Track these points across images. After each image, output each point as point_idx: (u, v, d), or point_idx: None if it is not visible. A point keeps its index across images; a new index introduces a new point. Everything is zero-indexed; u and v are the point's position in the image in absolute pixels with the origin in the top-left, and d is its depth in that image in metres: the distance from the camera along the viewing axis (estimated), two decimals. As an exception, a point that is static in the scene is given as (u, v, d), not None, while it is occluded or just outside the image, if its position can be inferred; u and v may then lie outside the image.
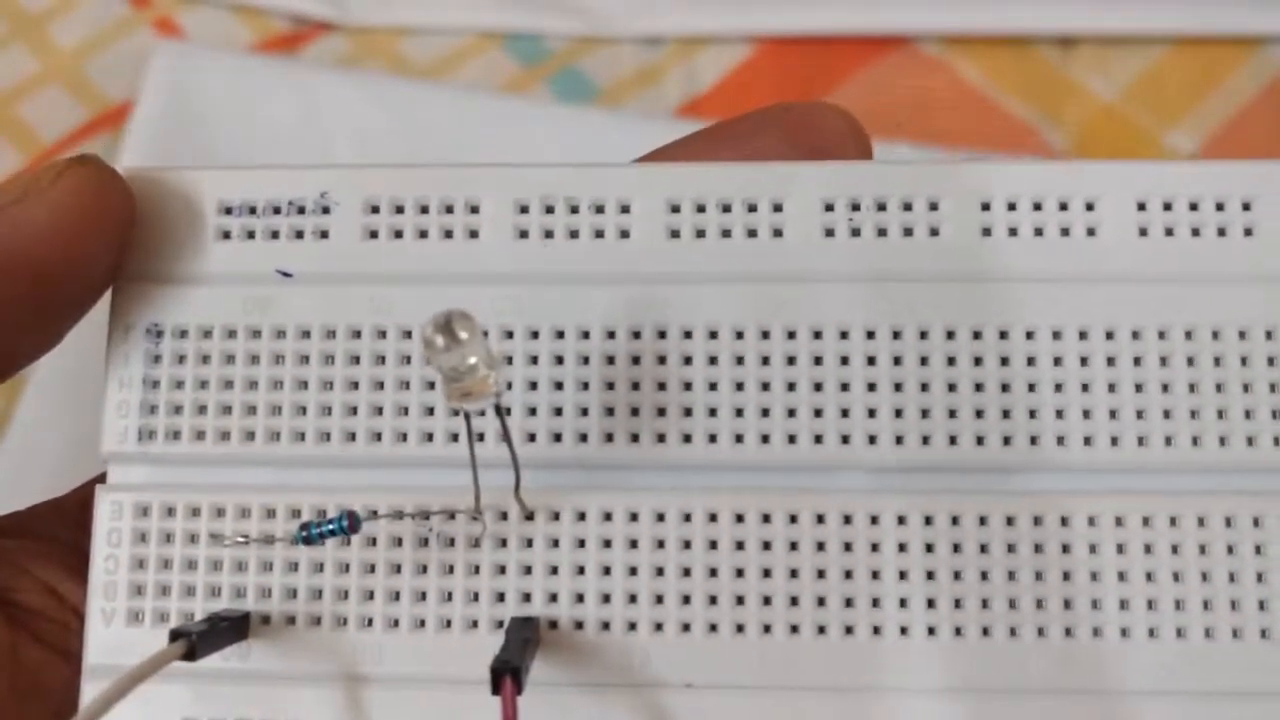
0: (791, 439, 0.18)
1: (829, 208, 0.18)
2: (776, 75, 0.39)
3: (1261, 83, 0.38)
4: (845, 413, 0.18)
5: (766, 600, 0.17)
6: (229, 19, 0.41)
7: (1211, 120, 0.38)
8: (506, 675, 0.15)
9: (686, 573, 0.17)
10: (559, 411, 0.18)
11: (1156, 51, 0.38)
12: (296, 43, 0.40)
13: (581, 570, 0.18)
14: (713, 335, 0.18)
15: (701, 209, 0.18)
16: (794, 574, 0.17)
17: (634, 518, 0.18)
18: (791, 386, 0.18)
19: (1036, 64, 0.38)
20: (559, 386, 0.18)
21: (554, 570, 0.18)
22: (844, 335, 0.18)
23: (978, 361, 0.18)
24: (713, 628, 0.17)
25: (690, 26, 0.39)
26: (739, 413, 0.18)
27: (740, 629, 0.17)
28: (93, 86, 0.41)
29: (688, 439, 0.18)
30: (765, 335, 0.18)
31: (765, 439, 0.18)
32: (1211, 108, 0.38)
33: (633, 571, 0.18)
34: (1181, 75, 0.38)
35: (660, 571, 0.17)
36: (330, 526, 0.17)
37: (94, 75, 0.41)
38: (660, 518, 0.18)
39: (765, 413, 0.18)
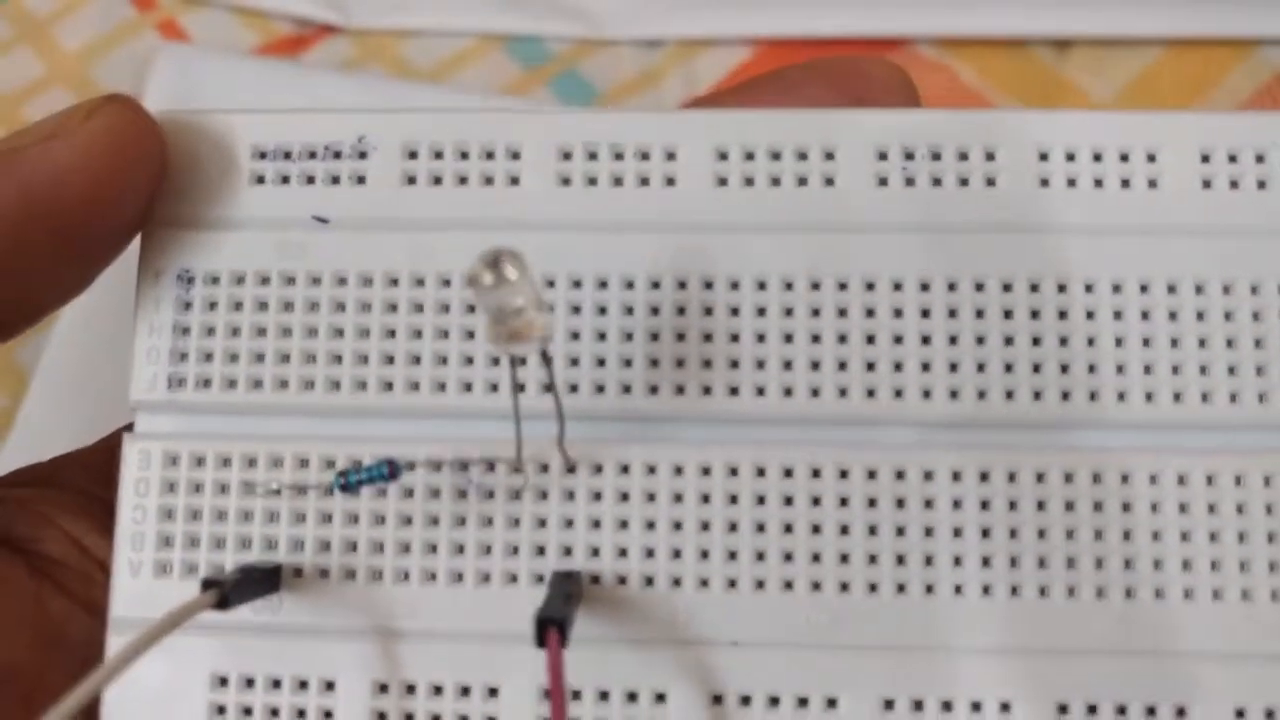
0: (843, 392, 0.17)
1: (882, 156, 0.18)
2: (776, 78, 0.39)
3: (1257, 84, 0.38)
4: (898, 366, 0.17)
5: (815, 557, 0.17)
6: (233, 22, 0.41)
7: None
8: (552, 628, 0.15)
9: (733, 528, 0.17)
10: (602, 362, 0.17)
11: (1152, 53, 0.38)
12: (300, 46, 0.40)
13: (625, 524, 0.17)
14: (761, 286, 0.17)
15: (750, 156, 0.18)
16: (844, 530, 0.17)
17: (679, 471, 0.17)
18: (843, 339, 0.17)
19: (1033, 66, 0.38)
20: (602, 337, 0.17)
21: (596, 524, 0.17)
22: (898, 287, 0.17)
23: (1035, 315, 0.17)
24: (760, 585, 0.17)
25: (690, 29, 0.39)
26: (788, 365, 0.17)
27: (789, 586, 0.17)
28: (97, 89, 0.40)
29: (734, 391, 0.17)
30: (816, 286, 0.17)
31: (815, 392, 0.17)
32: (1207, 109, 0.38)
33: (677, 526, 0.17)
34: (1177, 77, 0.38)
35: (705, 526, 0.17)
36: (369, 474, 0.16)
37: (98, 78, 0.41)
38: (706, 471, 0.17)
39: (815, 366, 0.17)
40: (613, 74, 0.39)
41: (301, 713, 0.17)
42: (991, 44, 0.39)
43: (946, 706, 0.16)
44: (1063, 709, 0.16)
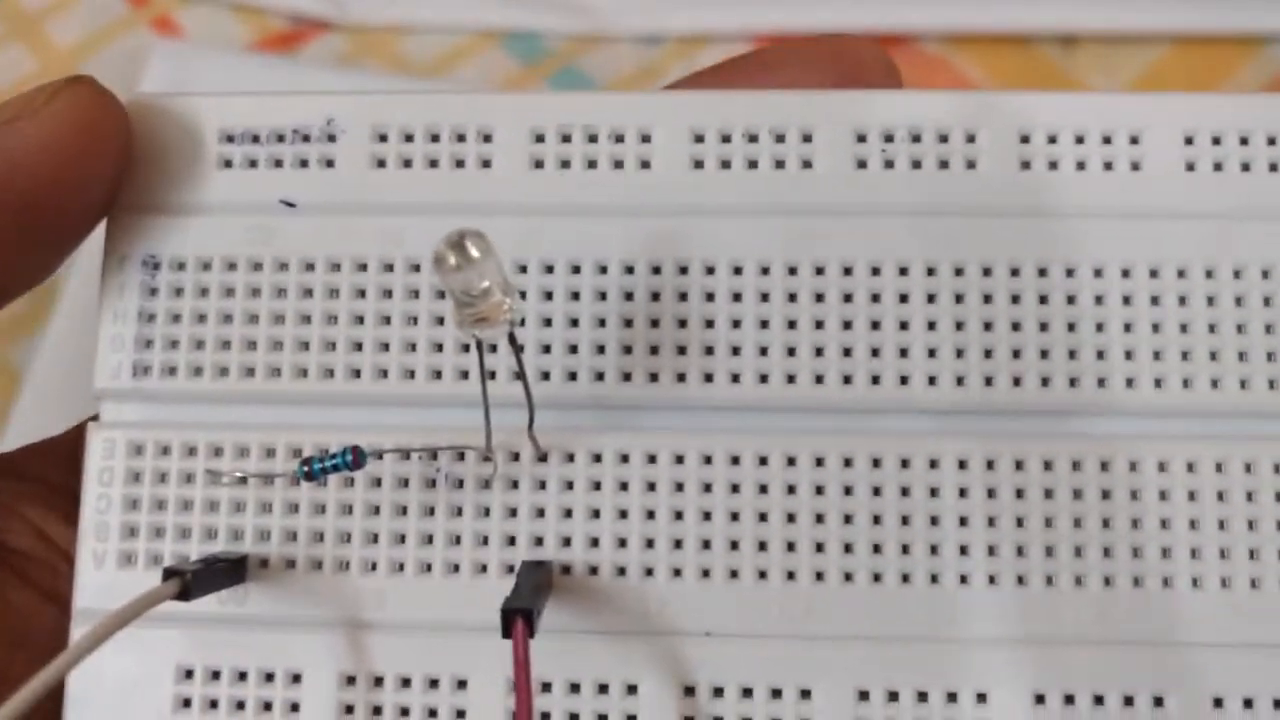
0: (819, 379, 0.17)
1: (861, 138, 0.17)
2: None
3: (1263, 81, 0.38)
4: (875, 351, 0.17)
5: (791, 546, 0.16)
6: (227, 18, 0.41)
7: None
8: (518, 617, 0.15)
9: (707, 517, 0.17)
10: (574, 349, 0.17)
11: (1158, 50, 0.38)
12: (295, 41, 0.40)
13: (597, 514, 0.17)
14: (737, 271, 0.17)
15: (726, 139, 0.17)
16: (820, 519, 0.17)
17: (652, 459, 0.17)
18: (819, 325, 0.17)
19: (1038, 63, 0.38)
20: (574, 323, 0.17)
21: (568, 513, 0.17)
22: (875, 271, 0.17)
23: (1015, 300, 0.17)
24: (734, 574, 0.17)
25: (690, 25, 0.39)
26: (763, 351, 0.17)
27: (763, 576, 0.16)
28: None
29: (709, 378, 0.17)
30: (793, 271, 0.17)
31: (791, 379, 0.17)
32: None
33: (650, 515, 0.17)
34: (1183, 74, 0.38)
35: (679, 515, 0.17)
36: (334, 461, 0.16)
37: (92, 74, 0.40)
38: (679, 460, 0.17)
39: (791, 352, 0.17)
40: (612, 70, 0.39)
41: (268, 705, 0.17)
42: (997, 40, 0.38)
43: (922, 697, 0.16)
44: (1069, 699, 0.16)
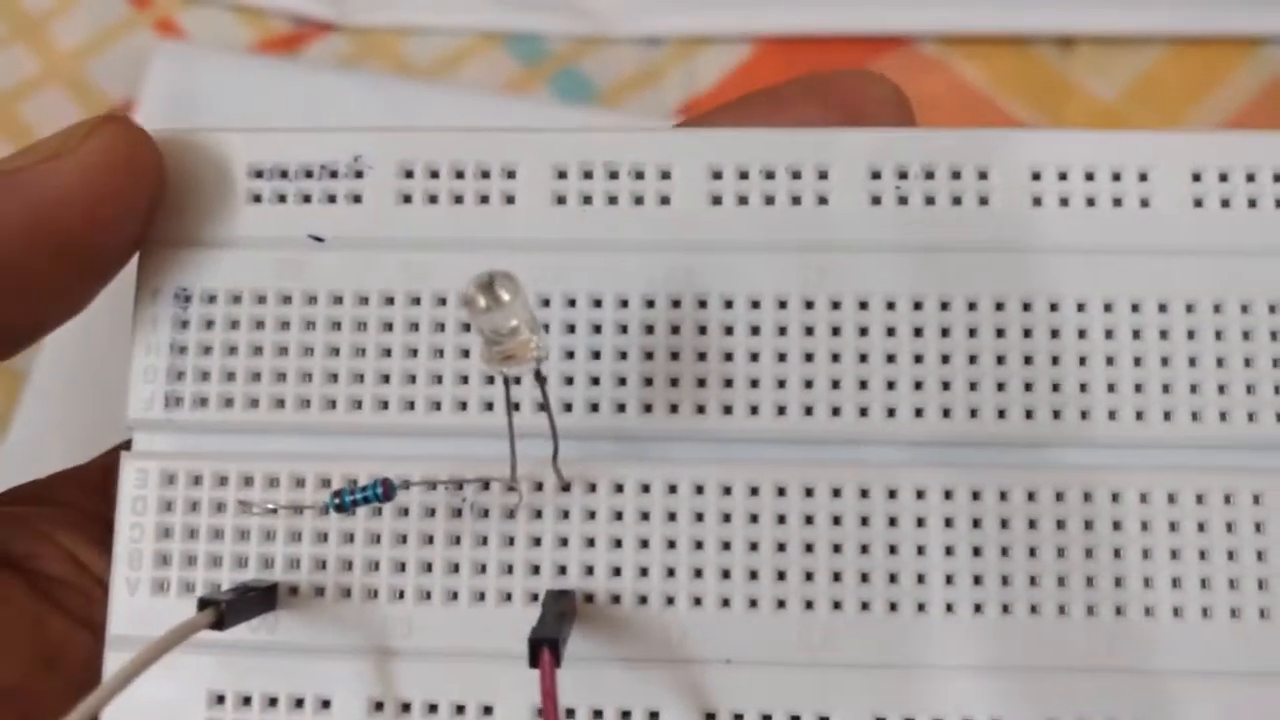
0: (835, 411, 0.17)
1: (875, 175, 0.18)
2: (776, 75, 0.38)
3: (1261, 82, 0.38)
4: (891, 385, 0.17)
5: (809, 576, 0.17)
6: (230, 19, 0.41)
7: (1211, 120, 0.37)
8: (545, 648, 0.15)
9: (726, 546, 0.17)
10: (596, 381, 0.18)
11: (1156, 52, 0.38)
12: (297, 43, 0.40)
13: (619, 543, 0.17)
14: (755, 305, 0.18)
15: (744, 175, 0.18)
16: (837, 549, 0.17)
17: (673, 490, 0.17)
18: (836, 358, 0.17)
19: (1036, 64, 0.38)
20: (596, 355, 0.18)
21: (590, 543, 0.17)
22: (890, 306, 0.17)
23: (1027, 334, 0.17)
24: (753, 603, 0.17)
25: (690, 27, 0.39)
26: (781, 384, 0.17)
27: (781, 605, 0.17)
28: (93, 87, 0.40)
29: (728, 410, 0.17)
30: (809, 305, 0.17)
31: (809, 411, 0.17)
32: (1211, 108, 0.38)
33: (671, 545, 0.17)
34: (1181, 75, 0.38)
35: (699, 545, 0.17)
36: (365, 494, 0.16)
37: (94, 76, 0.40)
38: (699, 490, 0.17)
39: (809, 385, 0.17)
40: (613, 71, 0.39)
41: (298, 730, 0.17)
42: (994, 42, 0.38)
43: (938, 724, 0.17)
44: None
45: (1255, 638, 0.16)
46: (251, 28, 0.41)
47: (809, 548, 0.17)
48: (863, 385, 0.17)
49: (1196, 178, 0.17)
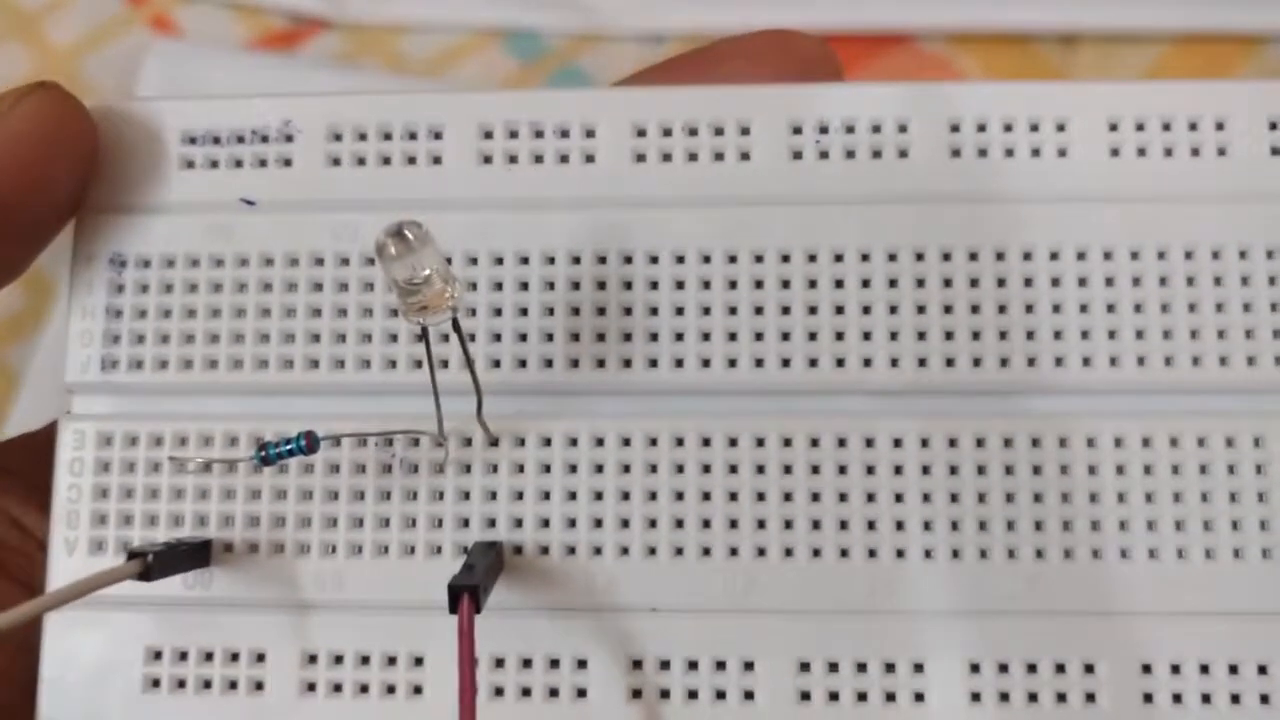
0: (758, 363, 0.17)
1: (796, 130, 0.18)
2: (776, 73, 0.39)
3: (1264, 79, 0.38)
4: (812, 335, 0.17)
5: (733, 524, 0.17)
6: (225, 16, 0.41)
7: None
8: (464, 594, 0.15)
9: (652, 497, 0.17)
10: (523, 337, 0.18)
11: (1158, 49, 0.38)
12: (293, 40, 0.40)
13: (546, 495, 0.17)
14: (679, 260, 0.18)
15: (668, 133, 0.18)
16: (760, 497, 0.17)
17: (599, 442, 0.17)
18: (759, 310, 0.18)
19: (1039, 62, 0.38)
20: (523, 312, 0.18)
21: (519, 496, 0.17)
22: (812, 258, 0.18)
23: (947, 284, 0.17)
24: (678, 552, 0.17)
25: (690, 23, 0.39)
26: (706, 337, 0.18)
27: (706, 553, 0.17)
28: (88, 84, 0.40)
29: (654, 364, 0.18)
30: (732, 259, 0.18)
31: (732, 363, 0.17)
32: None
33: (598, 496, 0.17)
34: (1184, 73, 0.37)
35: (626, 496, 0.17)
36: (289, 446, 0.17)
37: (90, 73, 0.41)
38: (626, 442, 0.17)
39: (732, 337, 0.18)
40: (612, 69, 0.39)
41: (233, 684, 0.17)
42: (997, 40, 0.38)
43: (861, 667, 0.17)
44: (1003, 667, 0.17)
45: (1203, 578, 0.17)
46: (247, 24, 0.41)
47: (733, 496, 0.17)
48: (785, 337, 0.17)
49: (1113, 127, 0.18)
